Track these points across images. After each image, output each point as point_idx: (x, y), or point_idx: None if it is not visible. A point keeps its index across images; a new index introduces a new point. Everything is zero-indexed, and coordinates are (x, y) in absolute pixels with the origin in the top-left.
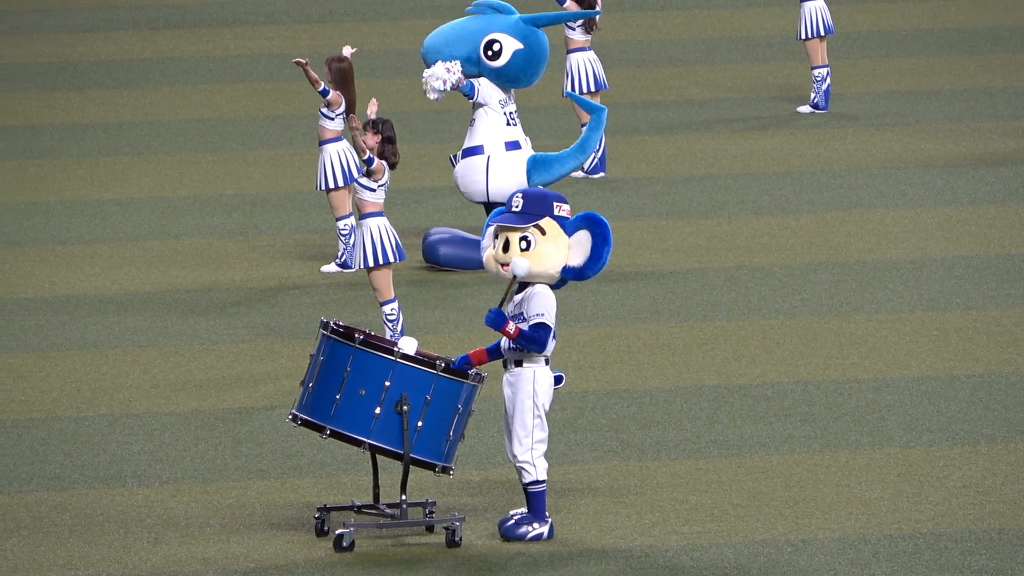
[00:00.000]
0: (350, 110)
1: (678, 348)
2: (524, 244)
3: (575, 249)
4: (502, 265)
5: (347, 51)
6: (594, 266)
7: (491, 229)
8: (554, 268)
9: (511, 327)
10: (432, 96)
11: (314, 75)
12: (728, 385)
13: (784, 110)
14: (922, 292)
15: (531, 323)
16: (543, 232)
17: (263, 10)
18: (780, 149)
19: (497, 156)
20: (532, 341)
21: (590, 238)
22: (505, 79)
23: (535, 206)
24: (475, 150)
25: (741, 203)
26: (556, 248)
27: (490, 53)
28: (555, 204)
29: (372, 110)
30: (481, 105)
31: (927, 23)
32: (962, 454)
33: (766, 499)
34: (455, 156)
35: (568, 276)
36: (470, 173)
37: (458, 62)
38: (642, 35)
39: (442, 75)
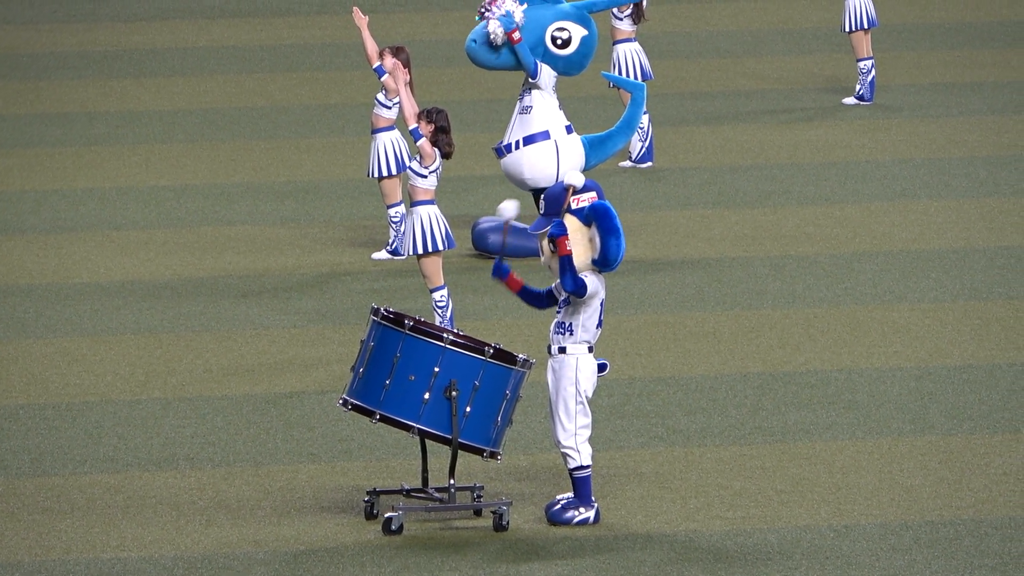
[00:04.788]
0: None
1: (723, 336)
2: (552, 246)
3: (593, 242)
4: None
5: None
6: (607, 259)
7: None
8: (580, 262)
9: (566, 244)
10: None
11: (372, 45)
12: (772, 372)
13: (829, 101)
14: (964, 282)
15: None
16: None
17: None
18: (825, 140)
19: (563, 140)
20: (575, 276)
21: (597, 233)
22: (570, 67)
23: (552, 206)
24: (541, 135)
25: (786, 193)
26: (576, 243)
27: (559, 42)
28: (572, 199)
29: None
30: (539, 89)
31: (971, 16)
32: (1003, 442)
33: (809, 485)
34: (507, 145)
35: (598, 267)
36: (539, 159)
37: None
38: (690, 27)
39: (498, 32)
